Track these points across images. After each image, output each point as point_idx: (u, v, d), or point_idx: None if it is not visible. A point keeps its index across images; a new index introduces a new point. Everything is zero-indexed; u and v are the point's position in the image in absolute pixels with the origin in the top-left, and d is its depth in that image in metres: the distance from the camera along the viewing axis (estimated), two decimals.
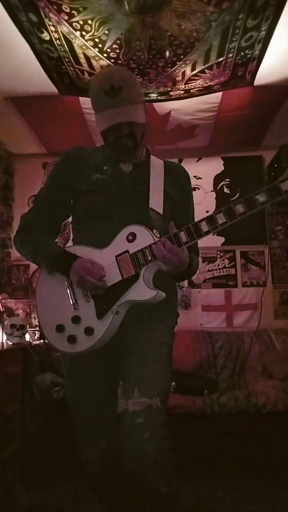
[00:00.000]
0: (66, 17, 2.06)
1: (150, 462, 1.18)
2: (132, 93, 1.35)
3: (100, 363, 1.40)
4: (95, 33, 2.17)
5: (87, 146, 1.56)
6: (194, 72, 2.54)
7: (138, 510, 1.25)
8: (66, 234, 3.59)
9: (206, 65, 2.47)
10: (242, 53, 2.36)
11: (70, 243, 1.58)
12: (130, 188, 1.44)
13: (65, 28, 2.14)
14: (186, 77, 2.59)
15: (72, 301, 1.38)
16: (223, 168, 3.76)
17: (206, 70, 2.52)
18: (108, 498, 1.47)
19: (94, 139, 3.18)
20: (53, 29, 2.15)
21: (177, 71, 2.51)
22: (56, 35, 2.20)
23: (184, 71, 2.52)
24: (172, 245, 1.27)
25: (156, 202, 1.42)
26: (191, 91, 2.77)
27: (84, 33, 2.17)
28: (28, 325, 3.06)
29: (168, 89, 2.73)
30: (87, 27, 2.12)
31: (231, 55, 2.37)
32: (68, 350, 1.37)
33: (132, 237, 1.34)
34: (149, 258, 1.30)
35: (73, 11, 2.02)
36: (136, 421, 1.20)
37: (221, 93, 2.79)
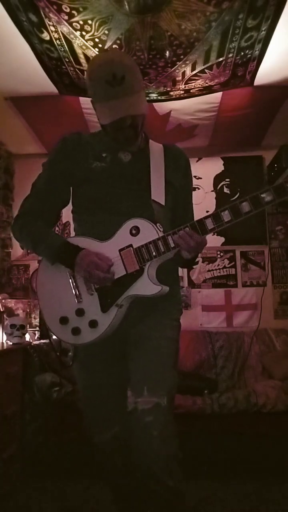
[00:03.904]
0: (66, 17, 2.06)
1: (159, 459, 1.20)
2: (135, 81, 1.31)
3: (106, 353, 1.41)
4: (95, 33, 2.17)
5: (84, 132, 1.53)
6: (194, 72, 2.54)
7: (145, 502, 1.27)
8: (66, 235, 3.60)
9: (206, 65, 2.47)
10: (242, 53, 2.36)
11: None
12: (130, 179, 1.42)
13: (65, 28, 2.14)
14: (186, 77, 2.59)
15: (76, 294, 1.38)
16: (223, 168, 3.76)
17: (206, 70, 2.52)
18: (117, 486, 1.49)
19: None
20: (53, 29, 2.15)
21: (177, 71, 2.51)
22: (56, 35, 2.20)
23: (184, 71, 2.52)
24: (194, 233, 1.28)
25: (158, 193, 1.41)
26: (191, 91, 2.77)
27: (84, 33, 2.17)
28: (28, 325, 3.06)
29: (168, 89, 2.73)
30: (87, 27, 2.12)
31: (231, 55, 2.37)
32: (72, 341, 1.38)
33: (135, 231, 1.33)
34: (154, 253, 1.29)
35: (73, 11, 2.01)
36: (146, 419, 1.21)
37: (221, 93, 2.79)
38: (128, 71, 1.29)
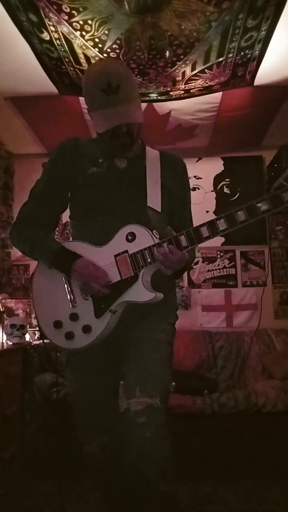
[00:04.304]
0: (66, 17, 2.06)
1: (151, 461, 1.19)
2: (130, 90, 1.33)
3: (100, 357, 1.40)
4: (95, 33, 2.17)
5: (82, 138, 1.54)
6: (194, 72, 2.54)
7: (138, 507, 1.26)
8: (66, 234, 3.60)
9: (206, 65, 2.47)
10: (242, 53, 2.37)
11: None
12: (126, 185, 1.43)
13: (65, 28, 2.14)
14: (186, 77, 2.59)
15: (70, 299, 1.38)
16: (223, 168, 3.76)
17: (206, 70, 2.52)
18: (109, 493, 1.47)
19: None
20: (53, 29, 2.15)
21: (177, 71, 2.51)
22: (56, 35, 2.20)
23: (184, 71, 2.52)
24: (175, 249, 1.26)
25: (154, 199, 1.42)
26: (191, 91, 2.77)
27: (84, 33, 2.17)
28: (28, 325, 3.06)
29: (168, 89, 2.73)
30: (87, 27, 2.12)
31: (231, 55, 2.37)
32: (65, 345, 1.38)
33: (131, 237, 1.33)
34: (149, 260, 1.29)
35: (73, 11, 2.02)
36: (138, 420, 1.21)
37: (221, 93, 2.79)
38: (123, 80, 1.30)
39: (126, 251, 1.32)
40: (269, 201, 1.21)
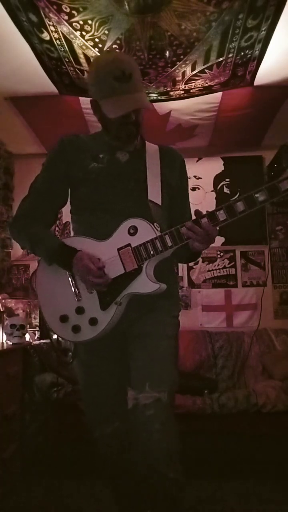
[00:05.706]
0: (66, 17, 2.06)
1: (160, 452, 1.22)
2: (139, 80, 1.39)
3: (106, 349, 1.43)
4: (95, 33, 2.17)
5: (82, 133, 1.55)
6: (194, 72, 2.54)
7: (147, 499, 1.28)
8: (66, 234, 3.60)
9: (206, 65, 2.47)
10: (242, 53, 2.36)
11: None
12: (127, 179, 1.45)
13: (65, 28, 2.14)
14: (186, 77, 2.59)
15: (75, 292, 1.40)
16: (223, 168, 3.76)
17: (206, 70, 2.52)
18: (117, 483, 1.50)
19: None
20: (53, 29, 2.15)
21: (177, 71, 2.51)
22: (56, 35, 2.20)
23: (184, 71, 2.52)
24: (210, 225, 1.28)
25: (155, 193, 1.44)
26: (191, 91, 2.77)
27: (84, 33, 2.17)
28: (28, 325, 3.06)
29: (168, 89, 2.73)
30: (87, 27, 2.13)
31: (231, 55, 2.37)
32: (72, 339, 1.40)
33: (133, 231, 1.35)
34: (151, 252, 1.32)
35: (73, 11, 2.02)
36: (147, 413, 1.24)
37: (221, 93, 2.79)
38: (135, 69, 1.36)
39: (129, 245, 1.35)
40: (267, 191, 1.24)
